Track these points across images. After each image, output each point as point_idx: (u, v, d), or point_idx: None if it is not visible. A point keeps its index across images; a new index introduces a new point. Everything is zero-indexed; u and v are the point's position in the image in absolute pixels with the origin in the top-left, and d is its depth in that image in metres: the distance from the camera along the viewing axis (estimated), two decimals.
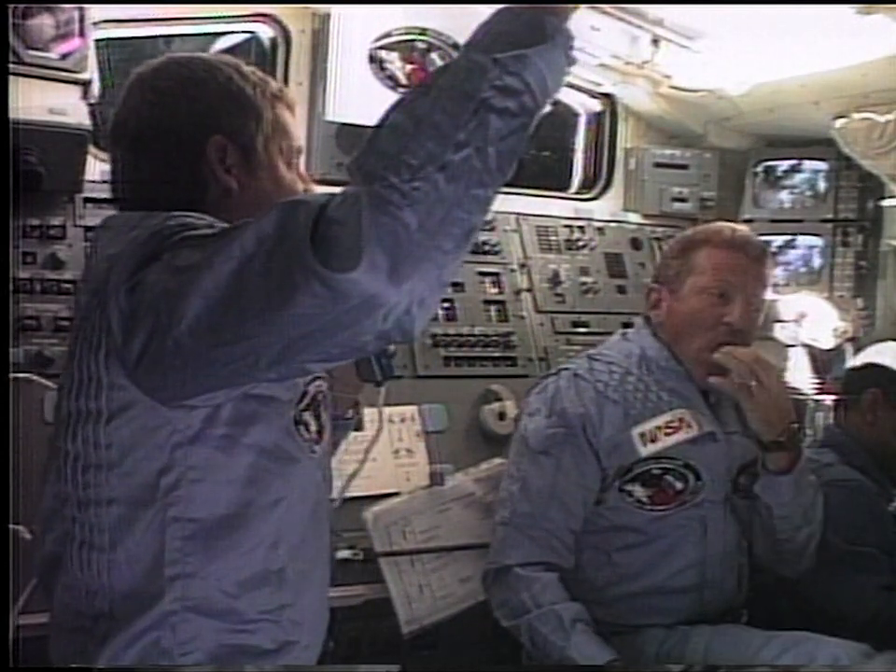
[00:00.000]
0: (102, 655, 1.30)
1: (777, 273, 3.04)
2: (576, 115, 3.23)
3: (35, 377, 2.11)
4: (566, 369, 2.24)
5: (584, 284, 2.95)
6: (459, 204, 1.03)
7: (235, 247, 1.10)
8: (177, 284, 1.14)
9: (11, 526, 1.83)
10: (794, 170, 3.14)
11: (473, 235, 1.08)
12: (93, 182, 2.36)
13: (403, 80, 2.60)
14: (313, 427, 1.43)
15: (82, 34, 2.12)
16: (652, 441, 2.10)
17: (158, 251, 1.22)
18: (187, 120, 1.40)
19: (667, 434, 2.11)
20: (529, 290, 2.86)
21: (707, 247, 2.17)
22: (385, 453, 2.37)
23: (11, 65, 1.99)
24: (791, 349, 2.93)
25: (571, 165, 3.26)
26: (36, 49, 2.06)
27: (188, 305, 1.12)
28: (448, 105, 1.03)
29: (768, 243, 3.02)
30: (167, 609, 1.30)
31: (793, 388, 2.86)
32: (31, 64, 2.06)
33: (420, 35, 2.62)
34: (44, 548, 1.39)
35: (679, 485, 2.10)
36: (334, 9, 2.53)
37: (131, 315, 1.21)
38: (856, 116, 2.67)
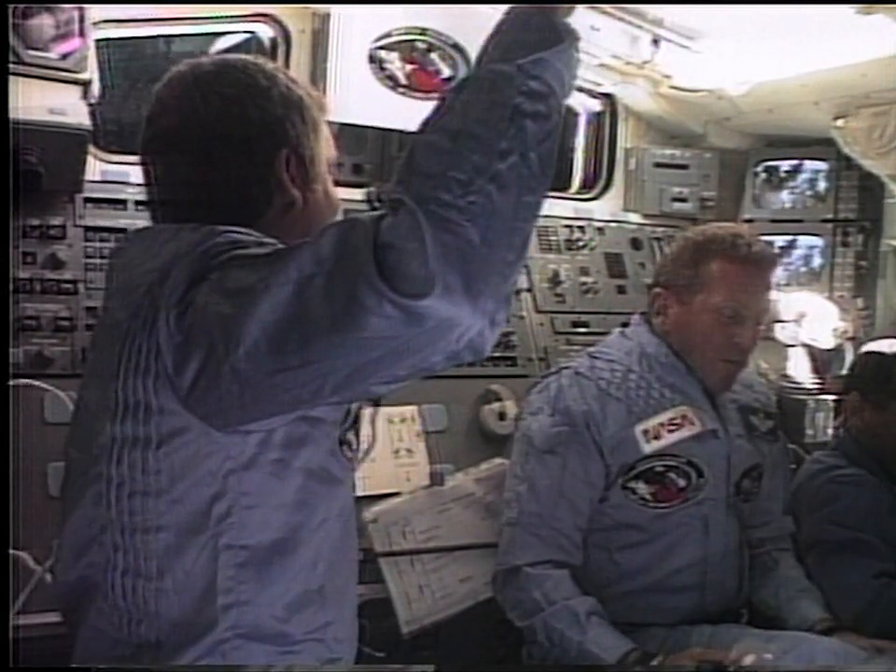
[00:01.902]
0: None
1: (778, 273, 3.05)
2: (576, 115, 3.23)
3: (35, 382, 2.09)
4: (566, 367, 2.24)
5: (584, 284, 2.95)
6: (515, 213, 1.04)
7: (292, 269, 1.07)
8: (231, 308, 1.11)
9: (12, 552, 1.82)
10: (794, 170, 3.14)
11: (529, 244, 1.08)
12: (93, 182, 2.36)
13: (403, 80, 2.60)
14: (355, 446, 1.42)
15: (82, 34, 2.11)
16: (656, 438, 2.10)
17: (206, 271, 1.18)
18: (257, 131, 1.35)
19: (670, 431, 2.11)
20: (529, 290, 2.86)
21: (720, 261, 2.12)
22: (385, 453, 2.37)
23: (11, 65, 1.98)
24: (791, 349, 2.93)
25: (571, 165, 3.26)
26: (36, 49, 2.06)
27: (244, 331, 1.08)
28: (482, 115, 1.03)
29: (769, 243, 3.03)
30: (219, 638, 1.27)
31: (795, 388, 2.87)
32: (31, 64, 2.05)
33: (420, 34, 2.62)
34: (74, 574, 1.35)
35: (681, 483, 2.11)
36: (334, 9, 2.53)
37: (182, 340, 1.17)
38: (856, 116, 2.67)
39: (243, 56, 1.45)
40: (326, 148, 1.45)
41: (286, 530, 1.30)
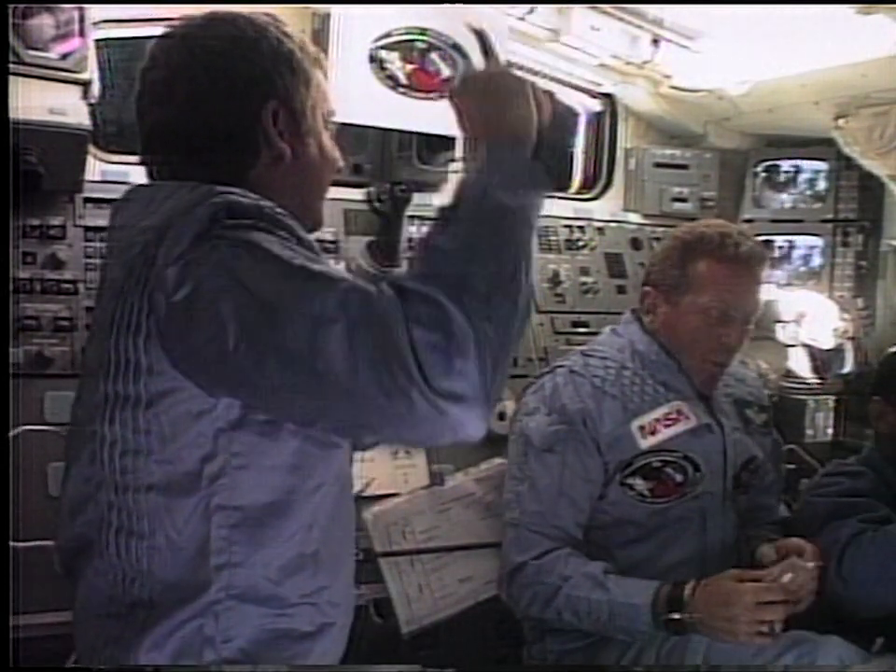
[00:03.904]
0: (142, 644, 1.27)
1: (778, 274, 3.05)
2: (576, 115, 3.23)
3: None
4: (560, 366, 2.24)
5: (584, 284, 2.95)
6: (521, 320, 1.15)
7: (316, 304, 1.10)
8: (252, 320, 1.12)
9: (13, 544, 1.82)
10: (794, 170, 3.14)
11: None
12: (93, 182, 2.36)
13: (403, 80, 2.60)
14: None
15: (82, 34, 2.11)
16: (652, 433, 2.11)
17: (207, 232, 1.19)
18: (243, 83, 1.36)
19: (666, 426, 2.12)
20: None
21: (707, 261, 2.12)
22: (385, 453, 2.37)
23: (11, 65, 1.98)
24: (791, 349, 2.93)
25: (571, 165, 3.26)
26: (36, 49, 2.06)
27: (261, 358, 1.11)
28: (490, 236, 1.15)
29: (768, 243, 3.03)
30: (212, 599, 1.28)
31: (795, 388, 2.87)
32: (31, 64, 2.05)
33: (420, 34, 2.62)
34: (71, 531, 1.37)
35: (679, 477, 2.11)
36: (334, 9, 2.52)
37: (185, 312, 1.17)
38: (856, 116, 2.67)
39: (234, 9, 1.44)
40: (321, 102, 1.45)
41: (280, 492, 1.30)
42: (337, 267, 1.20)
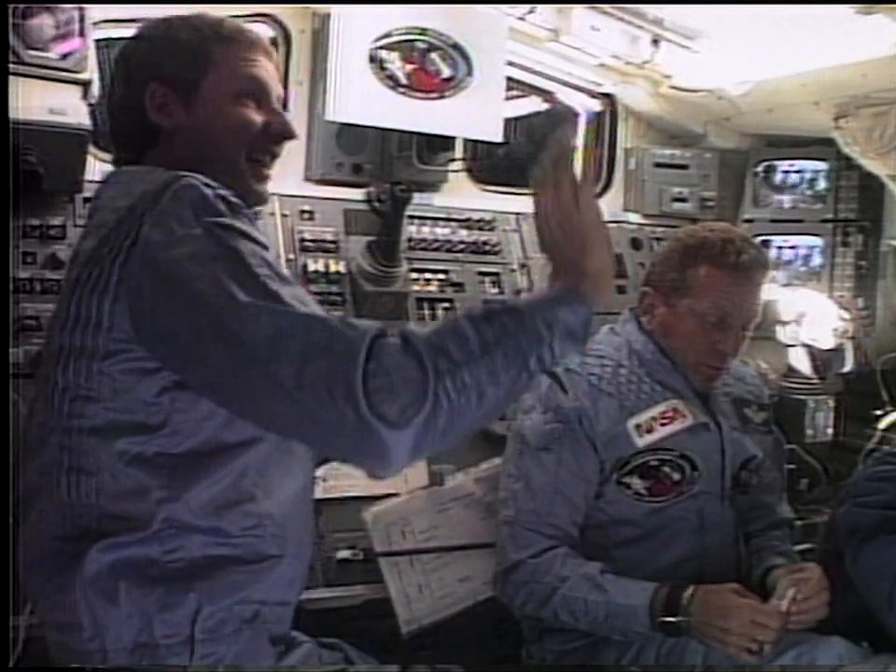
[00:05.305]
0: (86, 559, 1.35)
1: (769, 277, 3.04)
2: (576, 115, 3.23)
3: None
4: None
5: None
6: (475, 418, 1.26)
7: (282, 313, 1.21)
8: (222, 315, 1.23)
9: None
10: (794, 170, 3.14)
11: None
12: (93, 182, 2.36)
13: (403, 80, 2.60)
14: None
15: (82, 34, 2.11)
16: (648, 431, 2.10)
17: (192, 218, 1.30)
18: (133, 68, 1.57)
19: (662, 424, 2.11)
20: (529, 290, 2.86)
21: (707, 267, 2.11)
22: None
23: (11, 65, 1.98)
24: (791, 349, 2.93)
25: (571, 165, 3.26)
26: (36, 49, 2.06)
27: (223, 351, 1.23)
28: (513, 353, 1.26)
29: (768, 243, 3.04)
30: (156, 529, 1.37)
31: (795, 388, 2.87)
32: (31, 64, 2.05)
33: (420, 34, 2.62)
34: (24, 475, 1.46)
35: (676, 476, 2.11)
36: (334, 9, 2.53)
37: (158, 289, 1.28)
38: (856, 116, 2.67)
39: (223, 8, 1.65)
40: (227, 77, 1.55)
41: (213, 443, 1.39)
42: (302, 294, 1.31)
